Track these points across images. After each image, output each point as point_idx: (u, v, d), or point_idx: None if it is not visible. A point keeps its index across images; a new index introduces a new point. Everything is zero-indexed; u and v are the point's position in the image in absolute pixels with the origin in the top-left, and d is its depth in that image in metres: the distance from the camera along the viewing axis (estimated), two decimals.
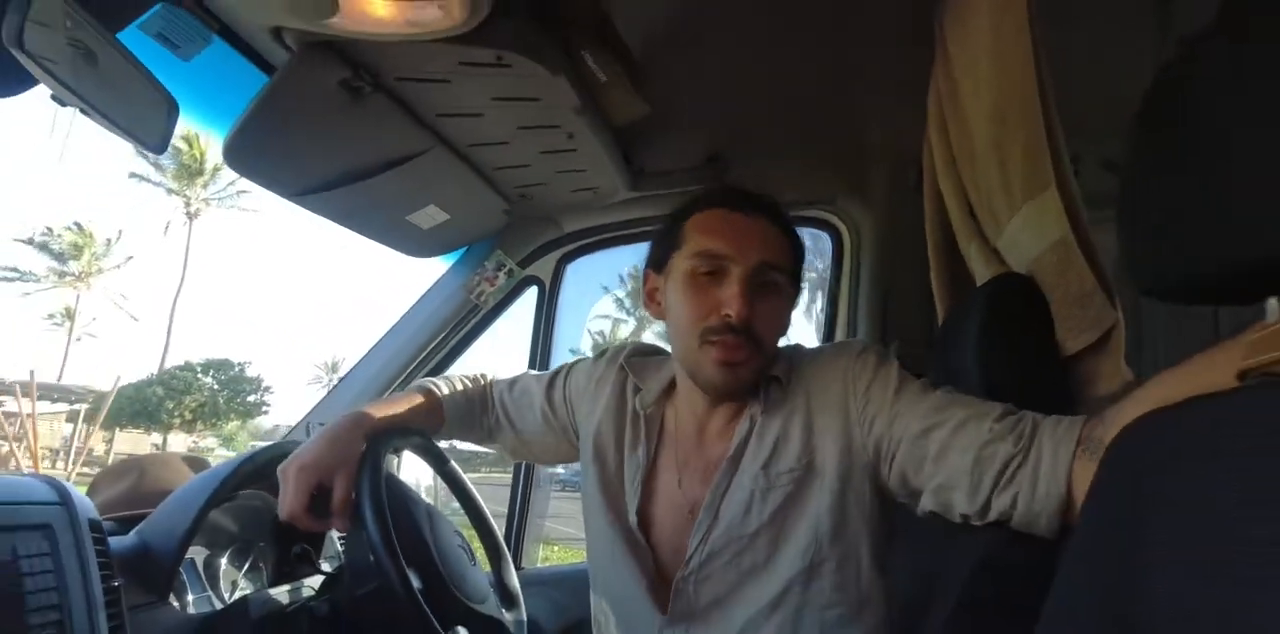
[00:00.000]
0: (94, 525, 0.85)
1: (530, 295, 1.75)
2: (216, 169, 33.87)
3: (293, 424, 1.50)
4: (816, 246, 1.75)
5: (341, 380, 1.59)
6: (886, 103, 1.42)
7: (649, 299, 1.04)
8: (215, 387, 26.36)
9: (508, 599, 1.26)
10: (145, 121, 0.79)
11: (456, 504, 1.29)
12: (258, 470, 1.17)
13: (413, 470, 1.35)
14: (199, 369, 26.56)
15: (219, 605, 1.07)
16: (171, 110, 0.82)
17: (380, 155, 1.16)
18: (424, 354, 1.58)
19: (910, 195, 1.44)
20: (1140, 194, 0.60)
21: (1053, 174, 0.94)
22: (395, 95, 1.03)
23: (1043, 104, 0.97)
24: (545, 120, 1.16)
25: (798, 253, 0.99)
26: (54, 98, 0.68)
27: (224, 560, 1.20)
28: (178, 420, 24.70)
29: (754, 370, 0.94)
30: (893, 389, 0.90)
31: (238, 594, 1.12)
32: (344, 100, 0.98)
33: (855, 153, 1.60)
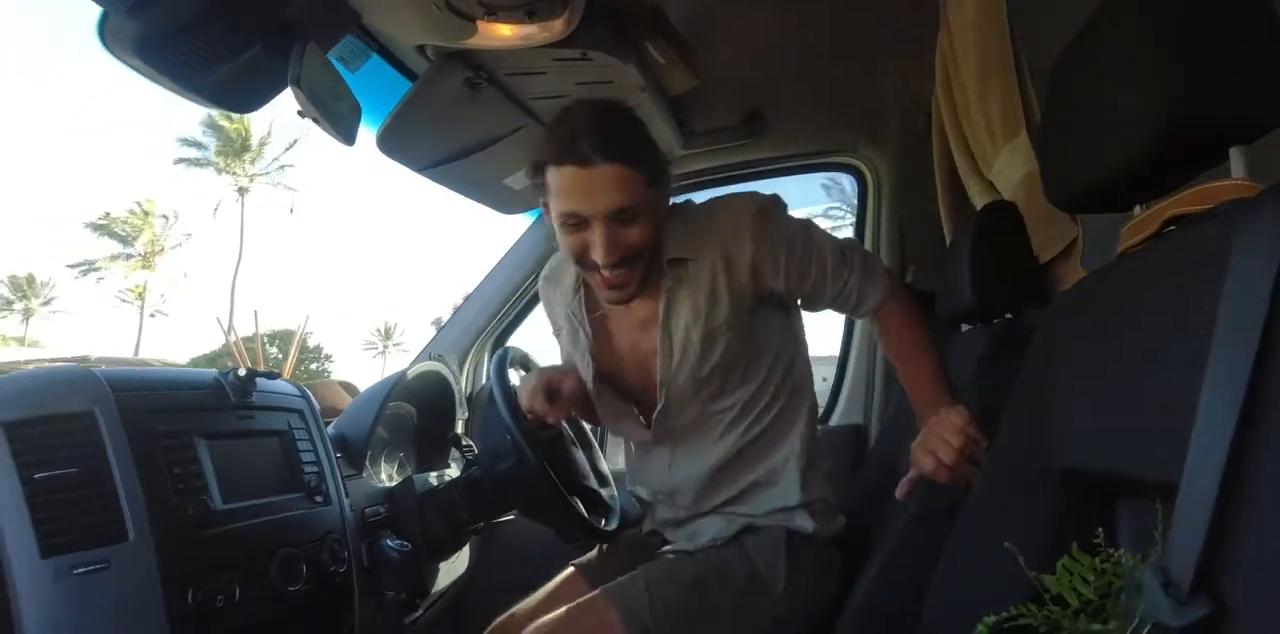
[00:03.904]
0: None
1: None
2: (263, 143, 34.59)
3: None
4: (844, 187, 2.01)
5: (455, 314, 1.92)
6: (897, 65, 1.65)
7: (546, 211, 1.13)
8: (281, 357, 27.56)
9: (601, 479, 1.59)
10: (343, 122, 1.08)
11: None
12: (405, 387, 1.53)
13: None
14: (266, 340, 27.80)
15: (388, 484, 1.42)
16: (357, 110, 1.12)
17: (488, 133, 1.45)
18: (518, 293, 1.90)
19: (919, 142, 1.67)
20: (1048, 138, 0.86)
21: (1024, 122, 1.18)
22: (503, 86, 1.32)
23: (1016, 67, 1.21)
24: (616, 97, 1.42)
25: (649, 173, 1.06)
26: (299, 113, 0.98)
27: (382, 457, 1.56)
28: None
29: (639, 281, 1.11)
30: (789, 246, 1.11)
31: (396, 479, 1.47)
32: (466, 93, 1.28)
33: (873, 107, 1.82)
